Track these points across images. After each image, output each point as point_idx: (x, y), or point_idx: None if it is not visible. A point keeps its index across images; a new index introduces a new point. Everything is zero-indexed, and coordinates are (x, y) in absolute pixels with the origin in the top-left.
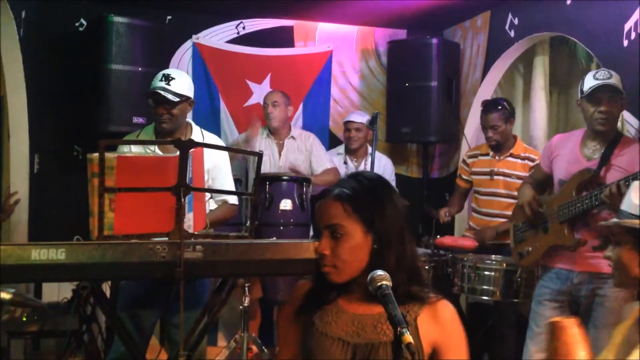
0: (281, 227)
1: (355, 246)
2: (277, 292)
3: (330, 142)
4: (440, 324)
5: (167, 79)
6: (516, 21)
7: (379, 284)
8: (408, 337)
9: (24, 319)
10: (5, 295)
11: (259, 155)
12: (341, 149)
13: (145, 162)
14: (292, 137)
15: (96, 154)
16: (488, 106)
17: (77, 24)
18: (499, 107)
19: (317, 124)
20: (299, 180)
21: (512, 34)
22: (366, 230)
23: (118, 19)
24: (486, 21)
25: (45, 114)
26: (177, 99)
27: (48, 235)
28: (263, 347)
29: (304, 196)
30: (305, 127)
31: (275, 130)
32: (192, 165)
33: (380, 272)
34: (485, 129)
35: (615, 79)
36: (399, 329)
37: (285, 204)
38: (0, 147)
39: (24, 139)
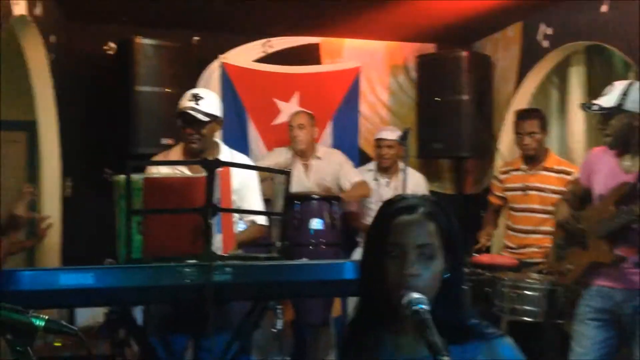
0: (312, 247)
1: (439, 272)
2: (309, 314)
3: (360, 159)
4: None
5: (196, 98)
6: (549, 31)
7: (415, 308)
8: None
9: (58, 344)
10: (40, 322)
11: (287, 174)
12: (372, 165)
13: (172, 183)
14: (318, 156)
15: (122, 176)
16: (524, 113)
17: (105, 47)
18: (536, 114)
19: (346, 141)
20: (329, 199)
21: (545, 44)
22: (444, 256)
23: (146, 41)
24: (518, 32)
25: (76, 137)
26: (206, 119)
27: (81, 259)
28: None
29: (335, 215)
30: (335, 145)
31: (301, 152)
32: (219, 186)
33: (417, 295)
34: (522, 137)
35: None
36: (437, 357)
37: (316, 224)
38: (34, 172)
39: (55, 162)
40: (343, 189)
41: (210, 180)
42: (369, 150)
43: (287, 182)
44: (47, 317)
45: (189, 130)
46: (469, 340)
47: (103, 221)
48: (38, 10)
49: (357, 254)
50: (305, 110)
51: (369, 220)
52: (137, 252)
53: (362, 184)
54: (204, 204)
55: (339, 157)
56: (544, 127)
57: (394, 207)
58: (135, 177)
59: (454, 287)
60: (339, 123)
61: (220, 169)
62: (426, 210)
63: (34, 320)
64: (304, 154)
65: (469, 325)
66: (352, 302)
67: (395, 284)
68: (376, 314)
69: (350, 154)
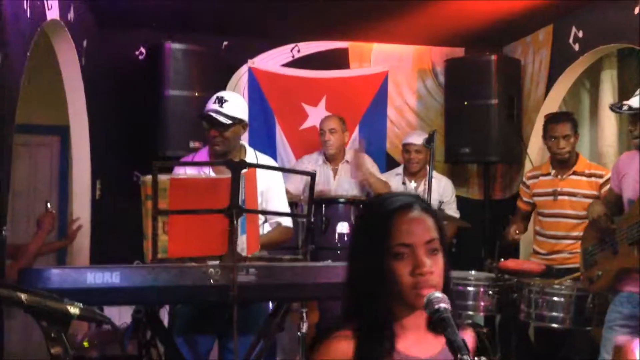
0: (338, 251)
1: (444, 265)
2: (334, 317)
3: (388, 164)
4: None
5: (221, 101)
6: (580, 34)
7: (437, 306)
8: None
9: (85, 344)
10: (74, 310)
11: (312, 176)
12: (399, 169)
13: (197, 184)
14: (347, 161)
15: (149, 177)
16: (557, 116)
17: (136, 52)
18: (570, 117)
19: (374, 146)
20: (356, 202)
21: (576, 47)
22: (442, 250)
23: (176, 46)
24: (548, 35)
25: (106, 140)
26: (229, 122)
27: (109, 260)
28: None
29: None
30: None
31: (331, 156)
32: (244, 187)
33: (438, 294)
34: (556, 140)
35: None
36: (459, 355)
37: (342, 227)
38: (66, 175)
39: (86, 165)
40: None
41: (235, 181)
42: (396, 154)
43: (312, 184)
44: (81, 305)
45: (213, 132)
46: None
47: (132, 223)
48: (71, 16)
49: None
50: (336, 114)
51: None
52: (163, 252)
53: (385, 185)
54: (229, 204)
55: (365, 159)
56: (576, 131)
57: (389, 207)
58: (162, 177)
59: (450, 280)
60: (367, 127)
61: (245, 170)
62: (422, 206)
63: (69, 307)
64: (334, 158)
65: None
66: None
67: (410, 285)
68: (384, 317)
69: (377, 158)
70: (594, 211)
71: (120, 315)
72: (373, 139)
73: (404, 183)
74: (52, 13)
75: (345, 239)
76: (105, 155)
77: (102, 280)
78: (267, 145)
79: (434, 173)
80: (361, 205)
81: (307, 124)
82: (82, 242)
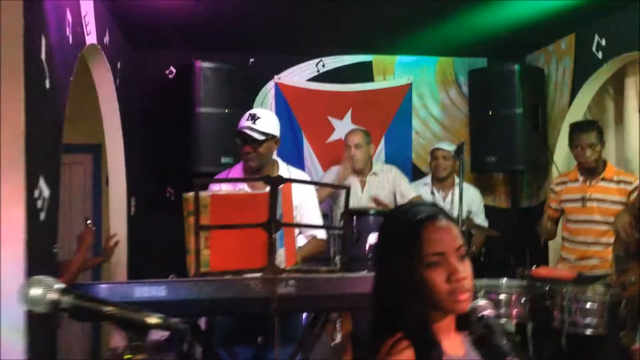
0: (369, 262)
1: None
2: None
3: (414, 174)
4: None
5: (254, 118)
6: (603, 42)
7: (481, 314)
8: None
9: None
10: (152, 320)
11: (347, 189)
12: (427, 179)
13: (237, 199)
14: (374, 173)
15: (191, 194)
16: (582, 125)
17: (166, 71)
18: (595, 126)
19: (399, 156)
20: (386, 213)
21: (600, 55)
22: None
23: (205, 65)
24: (571, 44)
25: (140, 158)
26: (262, 138)
27: (145, 274)
28: None
29: None
30: (388, 160)
31: (359, 170)
32: (281, 201)
33: (481, 302)
34: (582, 149)
35: None
36: (507, 359)
37: (373, 238)
38: (99, 192)
39: (122, 183)
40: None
41: (273, 196)
42: (422, 164)
43: (347, 197)
44: (158, 315)
45: (247, 148)
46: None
47: (165, 238)
48: (106, 39)
49: None
50: (361, 128)
51: None
52: (205, 265)
53: (417, 200)
54: (268, 219)
55: (394, 172)
56: (602, 139)
57: (416, 218)
58: (203, 194)
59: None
60: (392, 139)
61: (282, 185)
62: (445, 215)
63: (146, 319)
64: (361, 171)
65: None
66: None
67: (447, 292)
68: (425, 324)
69: (403, 169)
70: (619, 221)
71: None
72: (399, 149)
73: (432, 193)
74: (91, 38)
75: None
76: (138, 173)
77: (149, 294)
78: (295, 159)
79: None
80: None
81: (334, 137)
82: (120, 257)
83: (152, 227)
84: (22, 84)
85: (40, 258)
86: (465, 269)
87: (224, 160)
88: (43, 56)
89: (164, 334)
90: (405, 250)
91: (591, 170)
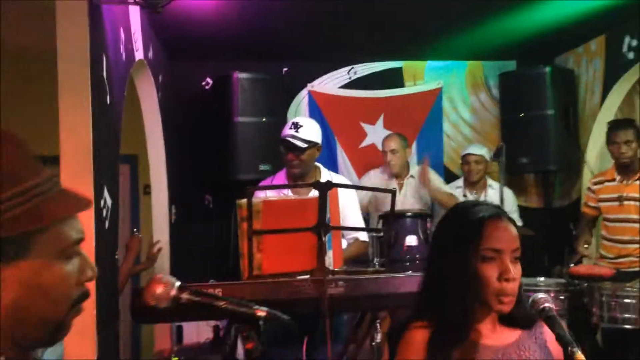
0: (407, 263)
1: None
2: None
3: (446, 177)
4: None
5: (296, 127)
6: (634, 43)
7: (542, 306)
8: (580, 356)
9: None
10: (261, 313)
11: (393, 193)
12: (460, 182)
13: (287, 205)
14: (412, 175)
15: (244, 200)
16: (619, 122)
17: (203, 83)
18: (632, 124)
19: (431, 160)
20: (423, 215)
21: (630, 56)
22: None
23: (242, 75)
24: (601, 45)
25: (180, 167)
26: (305, 145)
27: (186, 280)
28: None
29: (428, 231)
30: (420, 164)
31: (396, 173)
32: (329, 206)
33: (542, 295)
34: (618, 146)
35: None
36: (569, 348)
37: (411, 240)
38: (137, 201)
39: (163, 191)
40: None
41: (322, 200)
42: (454, 167)
43: (393, 200)
44: (267, 309)
45: (290, 156)
46: (532, 325)
47: (205, 244)
48: (150, 54)
49: None
50: (397, 133)
51: None
52: (258, 268)
53: (450, 197)
54: (317, 222)
55: (431, 175)
56: (638, 137)
57: (482, 213)
58: (255, 200)
59: (522, 286)
60: (424, 143)
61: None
62: (508, 216)
63: (256, 312)
64: (399, 175)
65: (531, 314)
66: None
67: (495, 289)
68: (463, 312)
69: (436, 171)
70: None
71: (199, 331)
72: (431, 153)
73: (465, 195)
74: (139, 54)
75: (414, 251)
76: (178, 182)
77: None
78: (329, 164)
79: (494, 183)
80: (427, 218)
81: (367, 142)
82: (163, 263)
83: (191, 233)
84: (89, 101)
85: (105, 264)
86: (516, 271)
87: (262, 167)
88: (104, 74)
89: (209, 336)
90: (466, 242)
91: (627, 168)
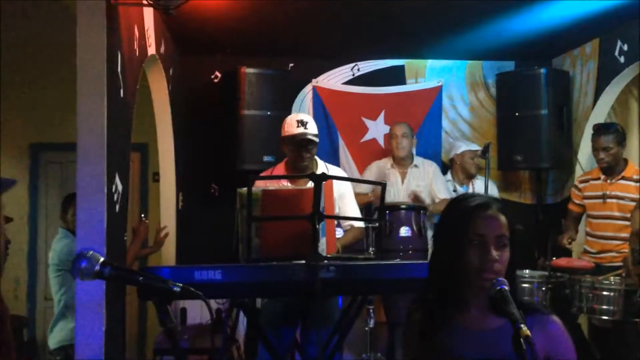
0: (401, 253)
1: (508, 258)
2: (397, 314)
3: (444, 172)
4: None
5: (303, 124)
6: (625, 47)
7: (499, 287)
8: (525, 331)
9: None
10: (176, 289)
11: (383, 186)
12: (449, 176)
13: (284, 194)
14: (415, 165)
15: (244, 189)
16: (600, 129)
17: (212, 76)
18: (611, 130)
19: (430, 156)
20: (417, 208)
21: (622, 59)
22: (510, 245)
23: (249, 70)
24: (595, 48)
25: (187, 157)
26: (316, 140)
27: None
28: None
29: (422, 223)
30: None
31: (401, 159)
32: (324, 196)
33: (501, 279)
34: (597, 151)
35: None
36: (516, 325)
37: (405, 231)
38: (146, 187)
39: (171, 179)
40: (434, 201)
41: (317, 191)
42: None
43: (383, 194)
44: (181, 285)
45: (304, 152)
46: (526, 314)
47: (210, 230)
48: (162, 49)
49: None
50: (403, 122)
51: None
52: (256, 252)
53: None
54: (312, 211)
55: (434, 168)
56: (619, 142)
57: (472, 203)
58: (255, 189)
59: (515, 274)
60: (423, 138)
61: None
62: (498, 207)
63: (172, 286)
64: (403, 162)
65: (525, 303)
66: None
67: (477, 268)
68: (450, 294)
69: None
70: (636, 221)
71: (202, 312)
72: (429, 149)
73: (454, 190)
74: (151, 49)
75: (407, 242)
76: (186, 170)
77: (207, 277)
78: (331, 158)
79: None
80: (421, 211)
81: (368, 136)
82: (169, 248)
83: (197, 220)
84: (105, 94)
85: (115, 245)
86: (500, 255)
87: (265, 158)
88: (119, 69)
89: (205, 319)
90: (457, 229)
91: (611, 169)
